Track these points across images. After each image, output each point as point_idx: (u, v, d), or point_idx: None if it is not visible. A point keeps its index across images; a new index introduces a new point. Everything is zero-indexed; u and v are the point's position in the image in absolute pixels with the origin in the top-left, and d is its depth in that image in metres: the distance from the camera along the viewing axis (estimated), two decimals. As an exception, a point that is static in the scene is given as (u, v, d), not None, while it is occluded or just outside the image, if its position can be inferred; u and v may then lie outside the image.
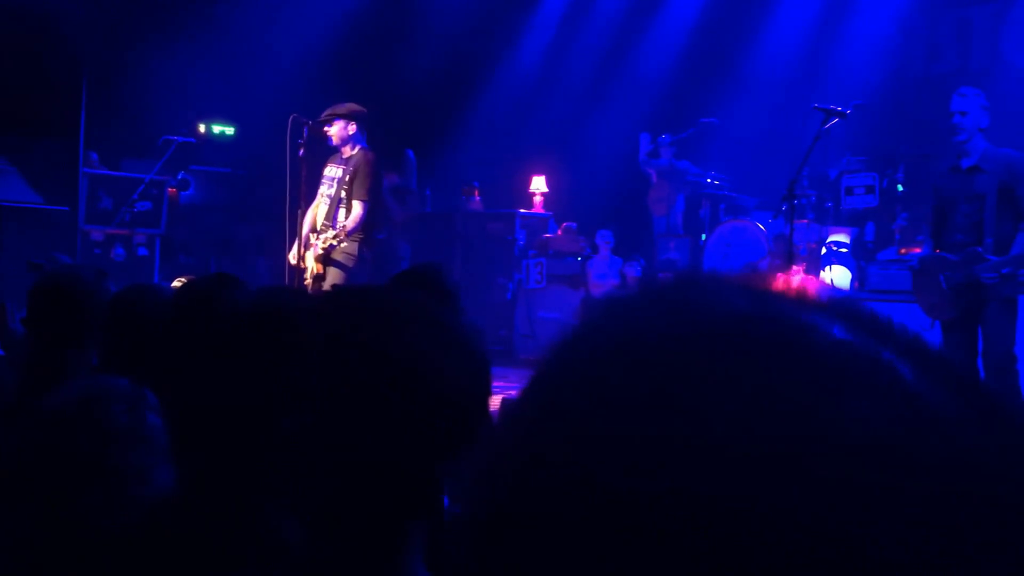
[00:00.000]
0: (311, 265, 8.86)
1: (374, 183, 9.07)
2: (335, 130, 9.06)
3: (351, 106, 9.14)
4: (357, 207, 8.84)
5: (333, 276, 8.81)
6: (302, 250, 9.05)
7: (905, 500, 0.50)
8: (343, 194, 8.92)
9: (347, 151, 9.07)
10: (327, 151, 9.31)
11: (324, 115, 9.11)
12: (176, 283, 9.68)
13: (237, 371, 2.18)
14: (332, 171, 9.13)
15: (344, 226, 8.79)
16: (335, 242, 8.73)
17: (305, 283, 8.89)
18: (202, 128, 14.36)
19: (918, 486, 0.50)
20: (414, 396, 1.57)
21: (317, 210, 9.12)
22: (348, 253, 8.83)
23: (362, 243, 8.90)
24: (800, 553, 0.49)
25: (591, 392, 0.55)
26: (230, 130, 14.76)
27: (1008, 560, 0.50)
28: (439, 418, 1.58)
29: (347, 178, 8.91)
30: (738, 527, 0.49)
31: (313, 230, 9.03)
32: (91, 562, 2.10)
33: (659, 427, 0.52)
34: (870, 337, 0.55)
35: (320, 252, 8.77)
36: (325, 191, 9.10)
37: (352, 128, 9.07)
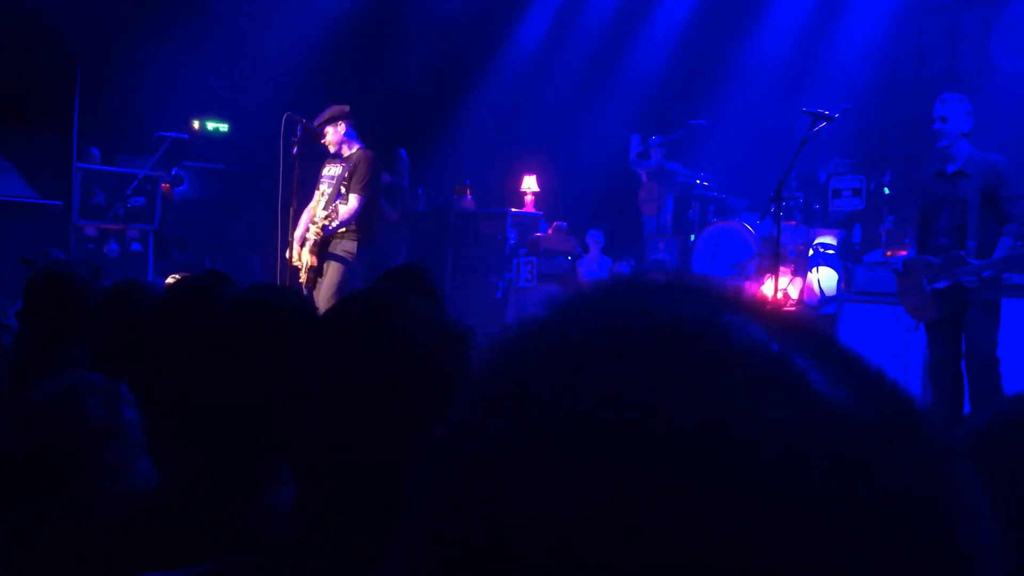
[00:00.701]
0: (306, 258, 8.92)
1: (372, 180, 9.13)
2: (329, 137, 9.17)
3: (334, 109, 9.24)
4: (353, 200, 8.90)
5: (331, 270, 8.89)
6: (298, 247, 9.11)
7: (797, 493, 0.52)
8: (342, 189, 8.98)
9: (346, 151, 9.16)
10: (321, 149, 9.37)
11: (315, 128, 9.22)
12: (170, 280, 9.78)
13: (229, 368, 2.21)
14: (331, 170, 9.20)
15: (337, 206, 8.86)
16: (328, 223, 8.79)
17: (300, 280, 8.96)
18: (196, 124, 14.39)
19: (810, 480, 0.53)
20: (414, 396, 1.59)
21: (316, 208, 9.16)
22: (347, 250, 8.90)
23: (361, 241, 8.96)
24: (689, 531, 0.52)
25: (533, 390, 0.58)
26: (224, 127, 14.80)
27: (897, 552, 0.53)
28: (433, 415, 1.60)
29: (346, 175, 8.99)
30: (637, 504, 0.53)
31: (310, 227, 9.08)
32: (72, 556, 2.10)
33: (593, 418, 0.55)
34: (788, 341, 0.59)
35: (315, 240, 8.84)
36: (324, 189, 9.16)
37: (342, 127, 9.16)
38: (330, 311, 1.79)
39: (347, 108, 9.26)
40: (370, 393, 1.59)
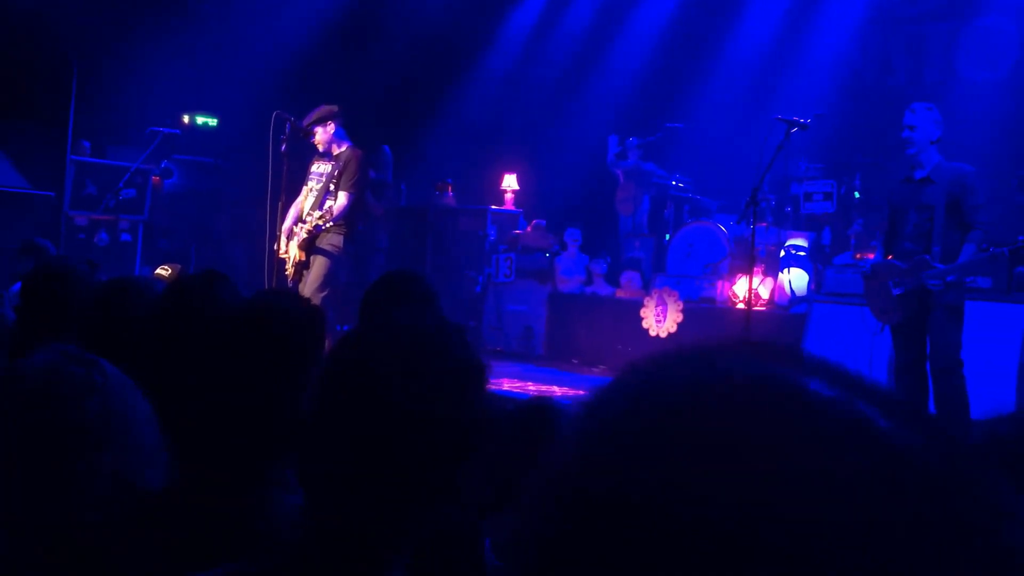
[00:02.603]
0: (294, 253, 9.09)
1: (361, 178, 9.32)
2: (319, 137, 9.34)
3: (323, 109, 9.38)
4: (343, 198, 9.08)
5: (317, 264, 9.07)
6: (285, 240, 9.26)
7: (883, 526, 0.57)
8: (331, 187, 9.16)
9: (335, 149, 9.33)
10: (309, 147, 9.53)
11: (304, 128, 9.35)
12: (160, 271, 9.93)
13: (231, 369, 2.27)
14: (320, 167, 9.37)
15: (330, 207, 9.03)
16: (321, 222, 8.97)
17: (286, 272, 9.14)
18: (186, 119, 14.46)
19: (892, 514, 0.57)
20: (427, 427, 1.66)
21: (304, 203, 9.33)
22: (333, 244, 9.09)
23: (346, 236, 9.15)
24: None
25: (634, 439, 0.63)
26: (212, 121, 14.88)
27: (971, 566, 0.58)
28: (442, 441, 1.67)
29: (336, 173, 9.16)
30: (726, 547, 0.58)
31: (298, 222, 9.24)
32: (73, 554, 2.07)
33: (695, 469, 0.60)
34: (848, 392, 0.64)
35: (305, 237, 9.00)
36: (313, 185, 9.32)
37: (331, 128, 9.33)
38: (350, 337, 1.82)
39: (336, 108, 9.39)
40: (385, 422, 1.64)
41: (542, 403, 3.29)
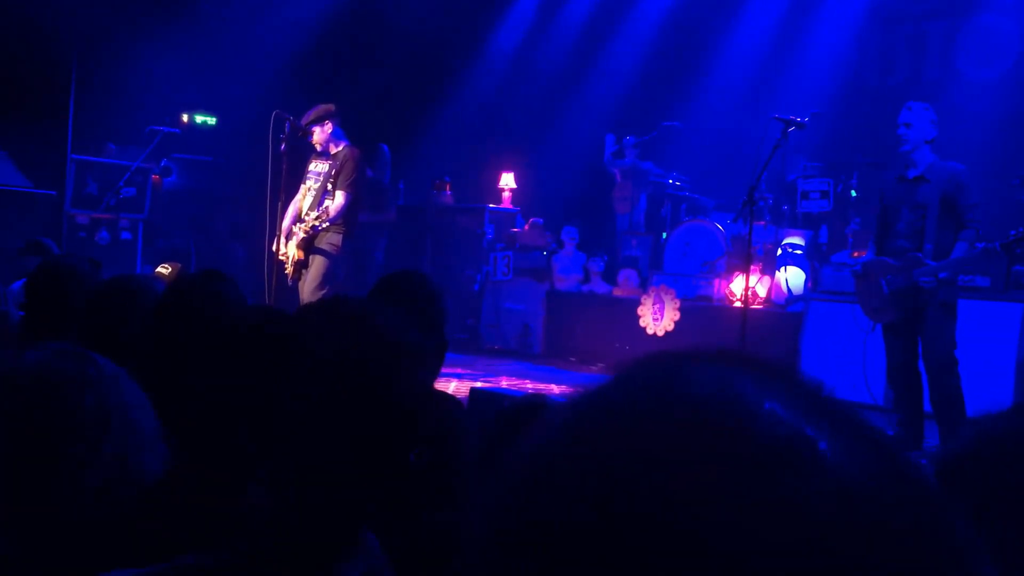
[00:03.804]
0: (292, 252, 9.13)
1: (358, 177, 9.37)
2: (316, 136, 9.37)
3: (320, 109, 9.42)
4: (340, 197, 9.12)
5: (316, 264, 9.11)
6: (284, 239, 9.30)
7: (824, 568, 0.56)
8: (329, 186, 9.20)
9: (332, 148, 9.37)
10: (308, 146, 9.56)
11: (302, 128, 9.38)
12: (160, 270, 9.97)
13: (229, 367, 2.26)
14: (318, 167, 9.41)
15: (327, 207, 9.07)
16: (318, 223, 9.01)
17: (286, 272, 9.20)
18: (185, 118, 14.50)
19: (835, 555, 0.56)
20: (363, 405, 1.69)
21: (302, 202, 9.37)
22: (332, 243, 9.13)
23: (345, 235, 9.19)
24: None
25: (588, 455, 0.62)
26: (211, 120, 14.92)
27: None
28: (394, 423, 1.71)
29: (333, 173, 9.20)
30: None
31: (296, 221, 9.28)
32: (68, 547, 2.06)
33: (634, 495, 0.58)
34: (804, 415, 0.62)
35: (303, 236, 9.04)
36: (312, 185, 9.36)
37: (329, 127, 9.36)
38: (297, 319, 1.88)
39: (333, 107, 9.43)
40: (324, 398, 1.68)
41: (537, 401, 3.31)
